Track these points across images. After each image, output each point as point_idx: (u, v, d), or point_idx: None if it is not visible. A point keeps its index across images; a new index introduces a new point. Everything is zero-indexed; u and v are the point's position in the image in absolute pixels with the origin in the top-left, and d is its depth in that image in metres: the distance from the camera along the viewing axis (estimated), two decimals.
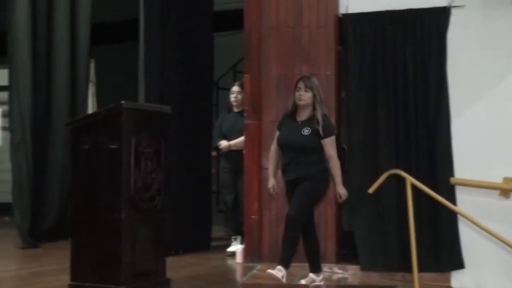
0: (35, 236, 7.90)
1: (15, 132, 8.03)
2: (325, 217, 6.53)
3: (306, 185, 5.49)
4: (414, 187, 5.76)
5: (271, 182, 5.75)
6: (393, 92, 6.37)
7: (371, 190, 5.92)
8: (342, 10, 6.62)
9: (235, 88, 7.55)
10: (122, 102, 4.95)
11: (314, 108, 5.58)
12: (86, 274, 4.99)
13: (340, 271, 6.40)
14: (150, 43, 7.30)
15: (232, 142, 7.45)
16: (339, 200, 5.70)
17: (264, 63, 6.74)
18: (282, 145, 5.66)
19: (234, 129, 7.44)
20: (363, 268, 6.34)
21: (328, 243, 6.49)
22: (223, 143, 7.50)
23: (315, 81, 5.66)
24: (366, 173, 6.31)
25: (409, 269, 5.77)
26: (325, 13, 6.61)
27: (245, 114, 6.80)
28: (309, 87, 5.57)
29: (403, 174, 5.79)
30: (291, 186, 5.61)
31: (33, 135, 8.03)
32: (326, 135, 5.53)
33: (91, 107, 10.12)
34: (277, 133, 5.75)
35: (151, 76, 7.27)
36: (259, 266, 6.46)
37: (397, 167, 6.03)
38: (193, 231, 7.59)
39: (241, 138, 7.09)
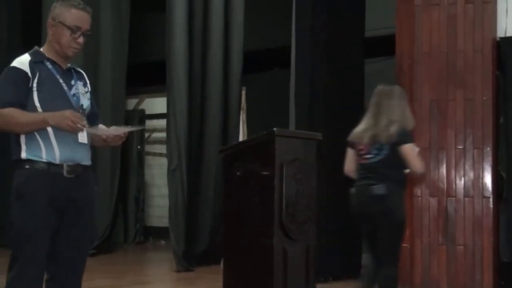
0: (189, 259, 8.08)
1: (172, 159, 8.25)
2: (481, 246, 6.30)
3: None
4: None
5: None
6: None
7: None
8: (500, 33, 6.41)
9: None
10: (274, 129, 5.00)
11: None
12: None
13: None
14: (300, 70, 7.36)
15: None
16: None
17: (416, 89, 6.63)
18: None
19: None
20: None
21: (484, 274, 6.26)
22: None
23: None
24: None
25: None
26: (481, 37, 6.43)
27: None
28: None
29: None
30: None
31: (188, 161, 8.25)
32: None
33: (242, 134, 10.30)
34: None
35: (301, 103, 7.32)
36: None
37: None
38: (342, 258, 7.52)
39: None
